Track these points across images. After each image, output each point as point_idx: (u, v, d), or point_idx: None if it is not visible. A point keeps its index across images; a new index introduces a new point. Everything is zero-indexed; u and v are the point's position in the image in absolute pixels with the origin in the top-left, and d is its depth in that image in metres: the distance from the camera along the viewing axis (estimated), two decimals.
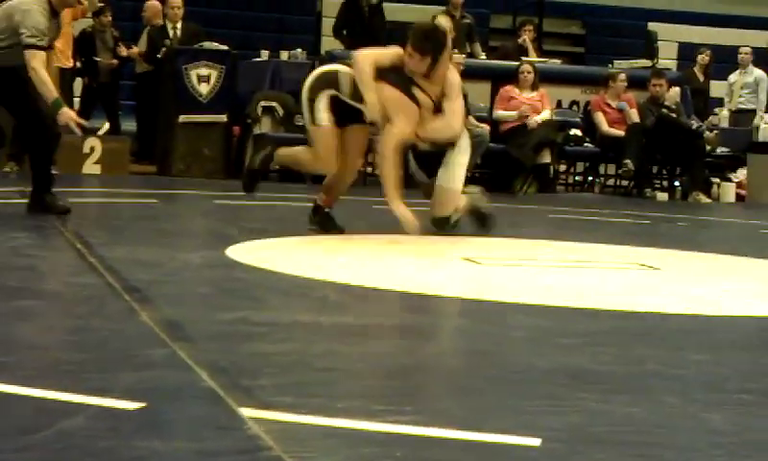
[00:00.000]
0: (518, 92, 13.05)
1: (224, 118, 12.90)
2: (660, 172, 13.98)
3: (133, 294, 4.44)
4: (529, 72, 13.15)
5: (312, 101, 6.77)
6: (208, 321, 4.08)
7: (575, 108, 13.97)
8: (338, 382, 3.17)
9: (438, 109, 6.93)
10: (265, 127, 12.91)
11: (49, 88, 7.06)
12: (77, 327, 3.90)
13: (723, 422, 2.92)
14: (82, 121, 7.33)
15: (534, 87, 13.17)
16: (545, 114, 13.01)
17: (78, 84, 13.74)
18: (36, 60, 6.99)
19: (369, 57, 6.89)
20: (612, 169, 13.66)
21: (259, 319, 4.11)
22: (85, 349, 3.47)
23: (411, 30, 7.03)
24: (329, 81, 6.83)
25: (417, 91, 6.84)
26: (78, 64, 13.38)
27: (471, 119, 12.49)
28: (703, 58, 16.19)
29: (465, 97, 12.79)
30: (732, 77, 15.99)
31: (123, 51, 13.82)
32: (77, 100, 13.78)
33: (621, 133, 13.24)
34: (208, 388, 2.96)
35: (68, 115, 7.10)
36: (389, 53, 7.00)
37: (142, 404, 2.71)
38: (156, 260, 5.51)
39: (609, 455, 2.59)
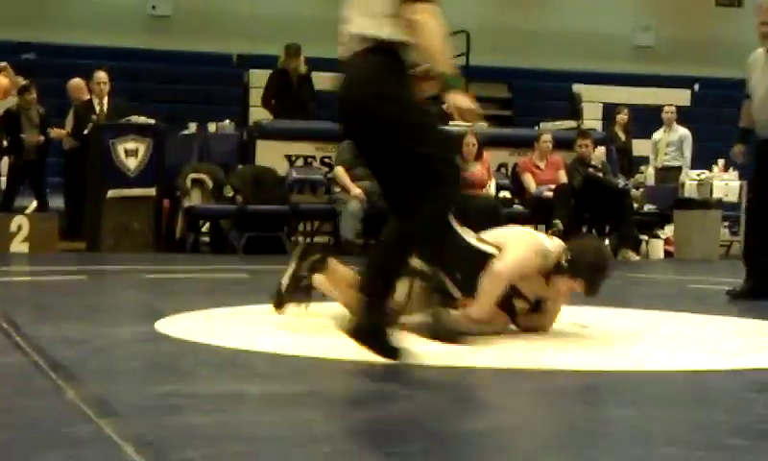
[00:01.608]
0: (464, 166, 13.08)
1: (152, 192, 12.88)
2: (589, 231, 14.12)
3: (60, 371, 4.39)
4: (474, 144, 13.09)
5: None
6: (136, 395, 4.05)
7: (503, 170, 14.09)
8: (264, 452, 3.15)
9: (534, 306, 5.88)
10: (195, 199, 12.89)
11: None
12: (1, 407, 3.84)
13: None
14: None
15: (478, 157, 13.12)
16: (492, 188, 13.06)
17: (4, 162, 13.68)
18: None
19: (515, 268, 5.62)
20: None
21: (187, 391, 4.08)
22: (9, 429, 3.42)
23: (583, 257, 5.85)
24: None
25: (515, 300, 5.78)
26: (4, 143, 13.33)
27: None
28: (621, 117, 16.43)
29: None
30: (657, 135, 16.24)
31: (53, 133, 13.84)
32: (3, 179, 13.71)
33: (550, 193, 13.38)
34: None
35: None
36: (532, 256, 5.69)
37: None
38: (84, 337, 5.45)
39: None
